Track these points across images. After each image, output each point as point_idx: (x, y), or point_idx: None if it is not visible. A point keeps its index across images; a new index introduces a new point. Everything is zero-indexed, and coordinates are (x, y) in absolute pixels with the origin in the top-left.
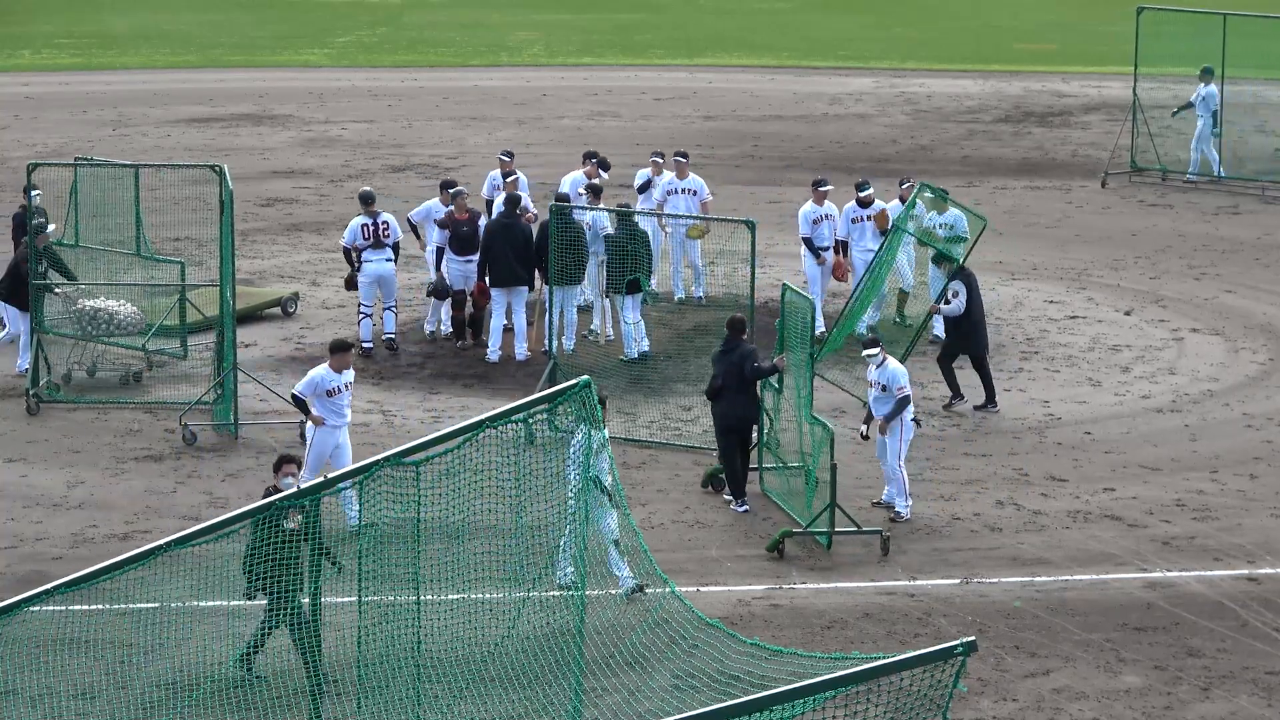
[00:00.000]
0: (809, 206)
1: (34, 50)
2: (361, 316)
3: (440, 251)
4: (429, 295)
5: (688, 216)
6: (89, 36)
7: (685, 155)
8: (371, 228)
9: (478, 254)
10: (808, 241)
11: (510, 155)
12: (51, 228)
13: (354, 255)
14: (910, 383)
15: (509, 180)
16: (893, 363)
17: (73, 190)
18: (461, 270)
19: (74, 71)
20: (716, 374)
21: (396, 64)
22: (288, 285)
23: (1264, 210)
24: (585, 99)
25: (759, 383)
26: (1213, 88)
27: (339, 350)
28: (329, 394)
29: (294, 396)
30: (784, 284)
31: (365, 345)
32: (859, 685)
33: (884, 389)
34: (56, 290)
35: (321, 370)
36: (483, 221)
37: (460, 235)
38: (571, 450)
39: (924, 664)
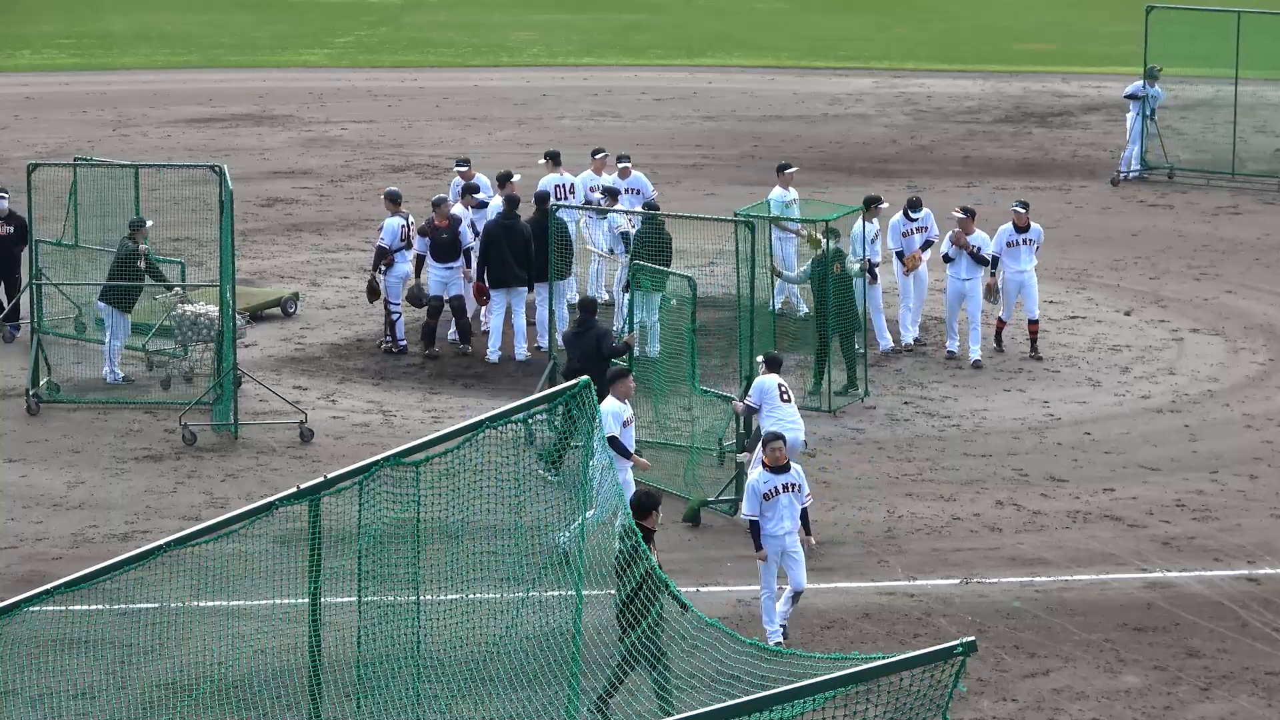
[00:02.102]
0: (859, 225)
1: (34, 50)
2: (396, 317)
3: (420, 259)
4: (406, 301)
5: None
6: (89, 36)
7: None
8: (406, 228)
9: (458, 260)
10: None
11: (467, 163)
12: (149, 223)
13: (387, 258)
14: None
15: (510, 180)
16: (760, 379)
17: (72, 190)
18: (441, 277)
19: (74, 71)
20: (573, 354)
21: (396, 64)
22: (288, 285)
23: (1264, 210)
24: (585, 99)
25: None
26: (1158, 88)
27: (620, 378)
28: (624, 425)
29: (611, 439)
30: (636, 263)
31: (401, 343)
32: (859, 685)
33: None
34: (157, 297)
35: (612, 405)
36: (463, 228)
37: (440, 242)
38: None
39: (924, 664)
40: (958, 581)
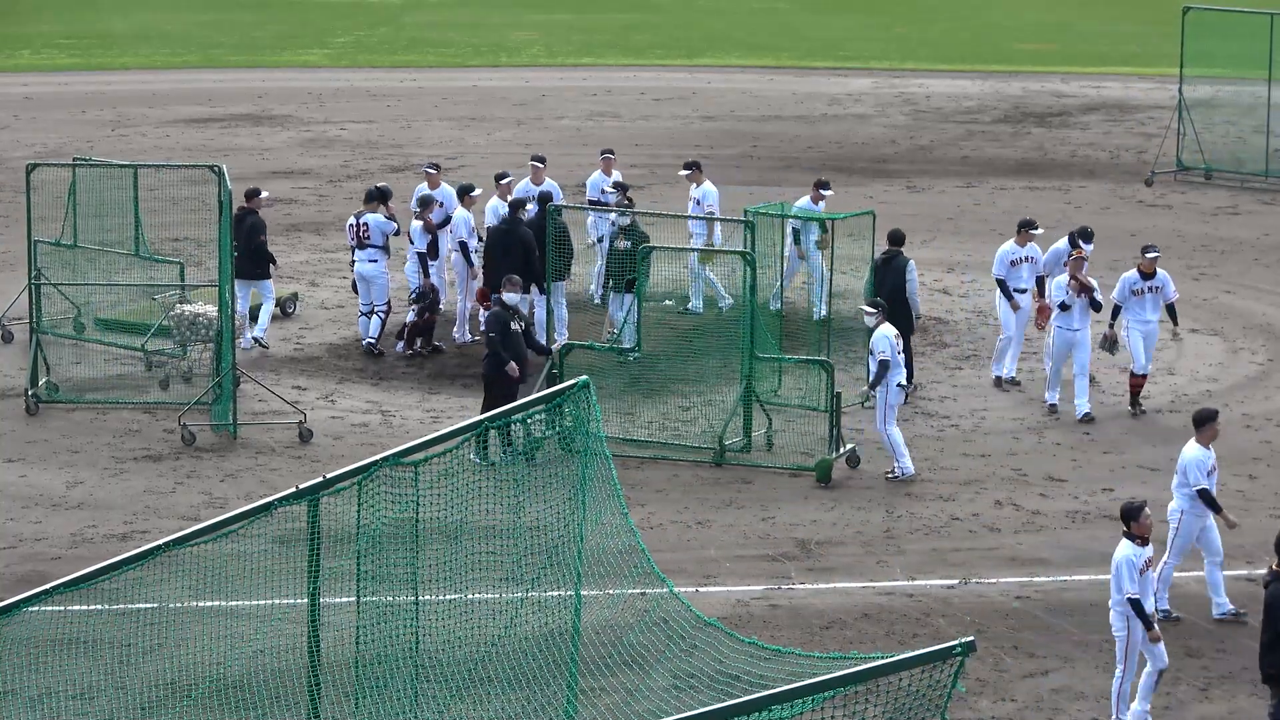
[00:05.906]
0: (1008, 246)
1: (34, 50)
2: (359, 315)
3: (422, 257)
4: (413, 304)
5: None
6: (89, 36)
7: (542, 160)
8: (354, 228)
9: (438, 259)
10: (1001, 284)
11: (436, 168)
12: (265, 194)
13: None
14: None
15: (503, 182)
16: (880, 329)
17: (71, 190)
18: (433, 277)
19: (74, 71)
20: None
21: (396, 64)
22: (287, 285)
23: (1264, 210)
24: (585, 99)
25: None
26: None
27: (1206, 421)
28: (1208, 472)
29: (1201, 492)
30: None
31: (364, 342)
32: (858, 685)
33: (870, 354)
34: (155, 298)
35: (1195, 452)
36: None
37: (435, 243)
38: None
39: (923, 664)
40: (956, 582)
